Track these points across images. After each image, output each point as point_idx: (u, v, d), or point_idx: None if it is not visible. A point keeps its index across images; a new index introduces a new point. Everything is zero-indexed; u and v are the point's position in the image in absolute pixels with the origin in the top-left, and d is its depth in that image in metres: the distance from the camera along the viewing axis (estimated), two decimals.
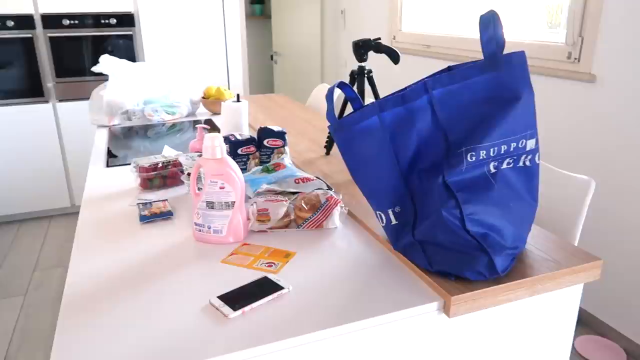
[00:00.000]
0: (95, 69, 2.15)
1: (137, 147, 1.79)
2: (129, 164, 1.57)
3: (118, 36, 3.29)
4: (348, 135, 0.89)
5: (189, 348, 0.72)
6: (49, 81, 3.21)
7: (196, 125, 2.01)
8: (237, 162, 1.37)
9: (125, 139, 1.90)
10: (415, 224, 0.89)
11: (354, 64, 3.81)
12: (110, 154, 1.70)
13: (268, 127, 1.42)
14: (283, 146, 1.42)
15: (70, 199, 3.45)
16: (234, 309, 0.79)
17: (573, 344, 2.03)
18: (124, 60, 2.21)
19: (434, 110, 0.84)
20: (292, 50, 4.67)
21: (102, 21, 3.22)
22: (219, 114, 2.34)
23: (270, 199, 1.09)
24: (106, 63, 2.17)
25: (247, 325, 0.77)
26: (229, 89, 3.65)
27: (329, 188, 1.16)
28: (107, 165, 1.58)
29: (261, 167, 1.27)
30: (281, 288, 0.85)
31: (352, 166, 0.92)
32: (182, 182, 1.39)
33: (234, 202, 1.02)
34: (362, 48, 1.45)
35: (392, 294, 0.85)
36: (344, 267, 0.94)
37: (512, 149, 0.84)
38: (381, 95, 1.97)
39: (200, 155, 1.37)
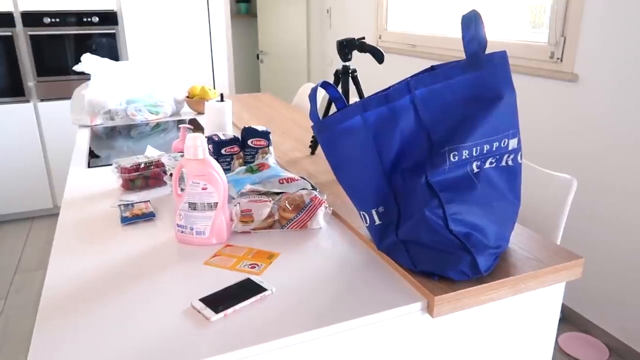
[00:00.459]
0: (77, 68, 2.12)
1: (120, 147, 1.76)
2: (111, 165, 1.55)
3: (101, 35, 3.24)
4: (331, 135, 0.89)
5: (170, 351, 0.71)
6: (30, 80, 3.15)
7: (179, 125, 1.99)
8: (220, 163, 1.35)
9: (107, 139, 1.88)
10: (399, 223, 0.88)
11: (340, 63, 3.80)
12: (92, 155, 1.68)
13: (252, 127, 1.41)
14: (267, 146, 1.41)
15: (52, 200, 3.40)
16: (216, 311, 0.78)
17: (556, 341, 2.05)
18: (107, 59, 2.18)
19: (416, 110, 0.84)
20: (278, 49, 4.65)
21: (84, 19, 3.18)
22: (204, 113, 2.32)
23: (253, 200, 1.08)
24: (88, 62, 2.13)
25: (229, 327, 0.76)
26: (214, 88, 3.62)
27: (314, 188, 1.16)
28: (89, 166, 1.55)
29: (245, 167, 1.26)
30: (264, 290, 0.85)
31: (336, 166, 0.92)
32: (164, 183, 1.37)
33: (217, 203, 1.00)
34: (346, 47, 1.44)
35: (376, 295, 0.84)
36: (328, 267, 0.94)
37: (494, 149, 0.84)
38: (366, 95, 1.96)
39: (183, 156, 1.35)
